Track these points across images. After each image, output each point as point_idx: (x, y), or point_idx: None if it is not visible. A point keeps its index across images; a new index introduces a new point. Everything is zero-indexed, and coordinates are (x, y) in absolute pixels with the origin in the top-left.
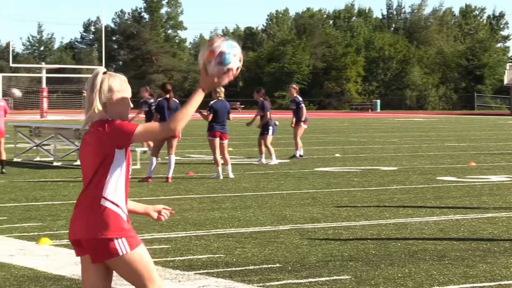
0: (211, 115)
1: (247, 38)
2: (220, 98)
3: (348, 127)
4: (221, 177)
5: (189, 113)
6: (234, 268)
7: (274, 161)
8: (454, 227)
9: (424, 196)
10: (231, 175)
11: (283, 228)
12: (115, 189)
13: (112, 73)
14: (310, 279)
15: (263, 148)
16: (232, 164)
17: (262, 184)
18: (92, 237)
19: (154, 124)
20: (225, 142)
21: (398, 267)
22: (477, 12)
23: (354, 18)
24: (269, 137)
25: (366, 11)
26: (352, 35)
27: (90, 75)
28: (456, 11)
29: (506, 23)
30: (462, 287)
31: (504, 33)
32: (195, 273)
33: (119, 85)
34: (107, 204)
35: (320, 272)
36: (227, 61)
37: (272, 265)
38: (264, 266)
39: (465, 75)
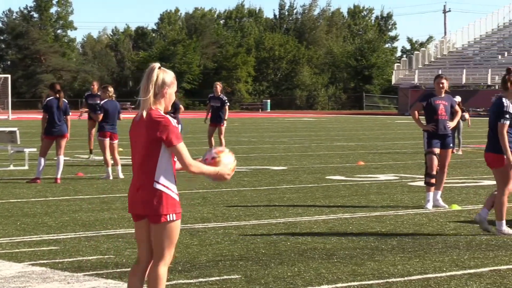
0: (101, 115)
1: (138, 38)
2: (110, 98)
3: (238, 127)
4: (111, 178)
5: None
6: (124, 269)
7: None
8: (342, 226)
9: (314, 195)
10: (121, 176)
11: None
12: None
13: (165, 69)
14: (201, 279)
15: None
16: (122, 164)
17: None
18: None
19: (187, 153)
20: (115, 142)
21: (287, 266)
22: (365, 13)
23: (244, 18)
24: None
25: (257, 11)
26: (242, 35)
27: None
28: (345, 12)
29: (394, 23)
30: (350, 285)
31: (392, 33)
32: (84, 275)
33: (170, 81)
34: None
35: (210, 272)
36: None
37: None
38: None
39: (354, 75)
